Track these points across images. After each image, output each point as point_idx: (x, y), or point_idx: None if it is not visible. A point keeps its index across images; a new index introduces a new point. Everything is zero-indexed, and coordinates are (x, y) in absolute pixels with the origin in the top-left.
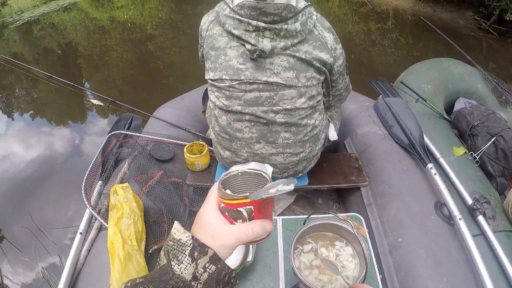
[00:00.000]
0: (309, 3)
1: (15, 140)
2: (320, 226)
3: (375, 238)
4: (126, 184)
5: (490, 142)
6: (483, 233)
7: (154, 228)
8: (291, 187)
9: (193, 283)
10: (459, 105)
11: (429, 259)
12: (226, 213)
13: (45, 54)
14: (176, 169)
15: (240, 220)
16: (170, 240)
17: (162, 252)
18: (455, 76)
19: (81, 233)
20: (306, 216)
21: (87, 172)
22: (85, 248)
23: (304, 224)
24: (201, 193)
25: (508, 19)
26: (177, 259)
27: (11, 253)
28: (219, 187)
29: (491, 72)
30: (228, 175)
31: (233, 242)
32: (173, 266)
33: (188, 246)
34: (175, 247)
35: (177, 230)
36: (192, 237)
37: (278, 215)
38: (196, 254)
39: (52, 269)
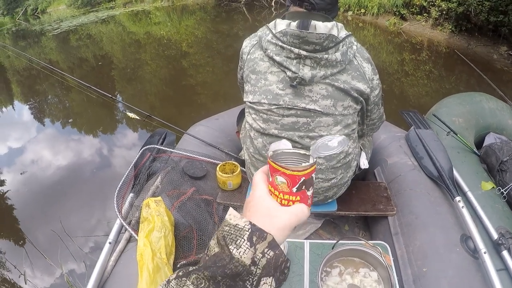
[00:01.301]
0: (350, 33)
1: (45, 145)
2: (347, 252)
3: (399, 267)
4: (159, 198)
5: None
6: (507, 268)
7: (183, 243)
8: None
9: (252, 268)
10: (489, 140)
11: None
12: (278, 195)
13: (80, 63)
14: (208, 187)
15: (291, 203)
16: (226, 226)
17: (212, 242)
18: (486, 110)
19: (110, 243)
20: (334, 241)
21: (120, 183)
22: (113, 258)
23: (332, 248)
24: None
25: None
26: (235, 243)
27: (35, 257)
28: (272, 162)
29: None
30: (277, 152)
31: (293, 221)
32: (231, 250)
33: (247, 231)
34: (232, 232)
35: (233, 216)
36: (250, 222)
37: (305, 239)
38: (255, 239)
39: (75, 275)
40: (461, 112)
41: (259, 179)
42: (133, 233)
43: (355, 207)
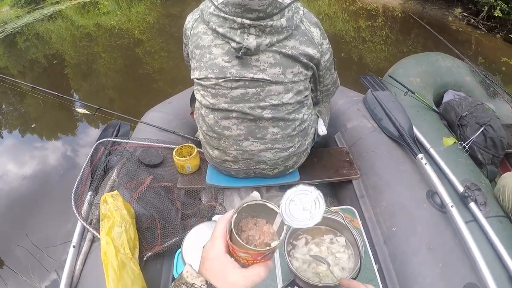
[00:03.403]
0: None
1: (6, 158)
2: None
3: (369, 229)
4: (116, 192)
5: (479, 131)
6: (475, 219)
7: (147, 234)
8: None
9: None
10: (447, 97)
11: (423, 247)
12: (237, 256)
13: (30, 66)
14: (166, 173)
15: (250, 262)
16: (183, 284)
17: None
18: (443, 69)
19: (74, 247)
20: None
21: (76, 183)
22: (79, 261)
23: None
24: (193, 195)
25: (496, 15)
26: None
27: (10, 276)
28: (234, 238)
29: (479, 66)
30: (234, 218)
31: (248, 285)
32: None
33: None
34: None
35: (190, 274)
36: (206, 282)
37: None
38: None
39: (50, 287)
40: (417, 72)
41: (219, 232)
42: (95, 232)
43: (318, 175)
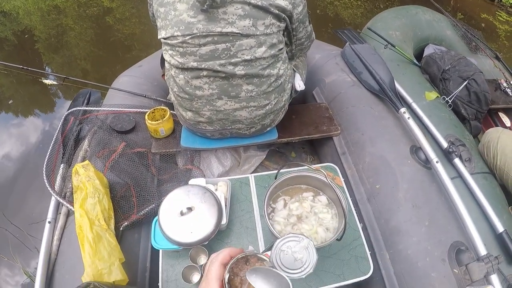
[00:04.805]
0: None
1: None
2: (292, 179)
3: (352, 187)
4: (87, 162)
5: (463, 85)
6: (460, 176)
7: (122, 203)
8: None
9: None
10: (428, 51)
11: (408, 204)
12: None
13: (0, 45)
14: (139, 138)
15: None
16: None
17: None
18: (424, 23)
19: (49, 222)
20: (279, 171)
21: (47, 157)
22: (56, 237)
23: (275, 178)
24: (168, 160)
25: None
26: None
27: None
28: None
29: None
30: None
31: None
32: None
33: None
34: None
35: None
36: None
37: (251, 173)
38: None
39: (33, 265)
40: (397, 26)
41: (214, 275)
42: (69, 206)
43: (297, 132)
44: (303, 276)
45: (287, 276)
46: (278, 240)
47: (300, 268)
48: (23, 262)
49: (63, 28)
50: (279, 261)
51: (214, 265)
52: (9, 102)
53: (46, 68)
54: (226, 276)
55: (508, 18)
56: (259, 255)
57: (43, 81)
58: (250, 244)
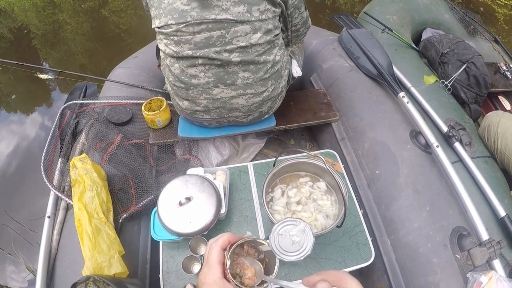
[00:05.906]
0: None
1: None
2: (290, 166)
3: (351, 173)
4: (84, 155)
5: (462, 69)
6: (461, 160)
7: (121, 196)
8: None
9: None
10: (426, 35)
11: (409, 189)
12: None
13: None
14: (136, 130)
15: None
16: None
17: None
18: (421, 6)
19: (49, 217)
20: (279, 158)
21: (44, 151)
22: (55, 232)
23: (274, 166)
24: (166, 150)
25: None
26: None
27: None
28: (229, 277)
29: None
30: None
31: None
32: None
33: None
34: None
35: None
36: None
37: (251, 161)
38: None
39: (35, 260)
40: (394, 10)
41: (215, 259)
42: (68, 200)
43: (296, 119)
44: (301, 258)
45: (285, 259)
46: (276, 225)
47: (298, 250)
48: (26, 258)
49: (59, 23)
50: (278, 245)
51: (215, 250)
52: (12, 98)
53: (44, 63)
54: (228, 262)
55: (506, 2)
56: (258, 240)
57: (39, 75)
58: (250, 232)
